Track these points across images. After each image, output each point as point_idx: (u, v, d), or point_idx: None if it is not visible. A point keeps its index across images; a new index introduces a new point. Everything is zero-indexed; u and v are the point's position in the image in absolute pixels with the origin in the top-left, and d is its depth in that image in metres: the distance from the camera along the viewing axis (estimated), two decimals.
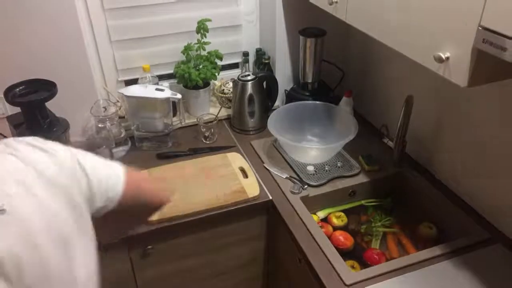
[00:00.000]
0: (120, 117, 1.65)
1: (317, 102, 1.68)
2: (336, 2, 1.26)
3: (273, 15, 1.72)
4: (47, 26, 1.44)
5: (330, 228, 1.40)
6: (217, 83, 1.88)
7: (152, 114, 1.61)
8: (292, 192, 1.43)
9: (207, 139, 1.70)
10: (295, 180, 1.48)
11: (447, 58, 0.89)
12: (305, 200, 1.40)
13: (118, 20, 1.64)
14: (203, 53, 1.76)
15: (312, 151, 1.56)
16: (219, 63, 1.79)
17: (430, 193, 1.42)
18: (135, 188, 0.85)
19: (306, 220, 1.32)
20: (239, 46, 1.89)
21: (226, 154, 1.60)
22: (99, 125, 1.57)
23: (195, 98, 1.78)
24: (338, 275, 1.15)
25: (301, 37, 1.69)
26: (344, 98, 1.71)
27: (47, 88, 1.26)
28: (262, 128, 1.77)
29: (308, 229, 1.29)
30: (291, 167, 1.54)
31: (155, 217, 1.32)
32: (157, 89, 1.57)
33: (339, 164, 1.54)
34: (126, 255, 1.35)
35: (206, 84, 1.76)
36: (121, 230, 1.14)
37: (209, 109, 1.84)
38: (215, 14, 1.73)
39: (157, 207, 0.94)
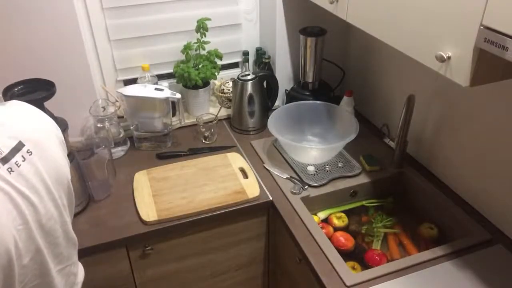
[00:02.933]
0: (119, 117, 1.64)
1: (318, 101, 1.67)
2: (337, 1, 1.26)
3: (273, 14, 1.71)
4: (46, 25, 1.44)
5: (331, 229, 1.39)
6: (217, 82, 1.87)
7: (151, 114, 1.60)
8: (293, 193, 1.42)
9: (207, 139, 1.69)
10: (295, 180, 1.47)
11: (449, 58, 0.88)
12: (306, 200, 1.40)
13: (117, 19, 1.63)
14: (203, 52, 1.75)
15: (313, 151, 1.55)
16: (219, 62, 1.78)
17: (431, 193, 1.42)
18: None
19: (306, 221, 1.31)
20: (239, 45, 1.88)
21: (226, 154, 1.59)
22: (98, 125, 1.57)
23: (194, 98, 1.77)
24: (339, 276, 1.14)
25: (301, 36, 1.68)
26: (344, 98, 1.70)
27: (45, 87, 1.25)
28: (262, 128, 1.76)
29: (308, 230, 1.29)
30: (291, 167, 1.54)
31: (154, 217, 1.31)
32: (156, 89, 1.56)
33: (340, 165, 1.53)
34: (125, 256, 1.34)
35: (206, 83, 1.76)
36: None
37: (208, 109, 1.83)
38: (215, 13, 1.72)
39: None
